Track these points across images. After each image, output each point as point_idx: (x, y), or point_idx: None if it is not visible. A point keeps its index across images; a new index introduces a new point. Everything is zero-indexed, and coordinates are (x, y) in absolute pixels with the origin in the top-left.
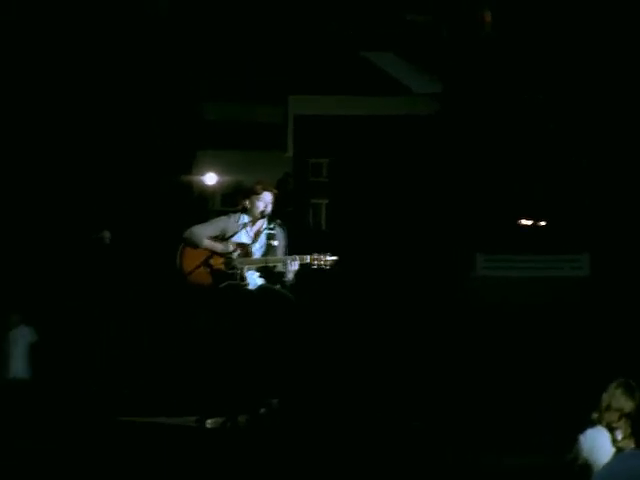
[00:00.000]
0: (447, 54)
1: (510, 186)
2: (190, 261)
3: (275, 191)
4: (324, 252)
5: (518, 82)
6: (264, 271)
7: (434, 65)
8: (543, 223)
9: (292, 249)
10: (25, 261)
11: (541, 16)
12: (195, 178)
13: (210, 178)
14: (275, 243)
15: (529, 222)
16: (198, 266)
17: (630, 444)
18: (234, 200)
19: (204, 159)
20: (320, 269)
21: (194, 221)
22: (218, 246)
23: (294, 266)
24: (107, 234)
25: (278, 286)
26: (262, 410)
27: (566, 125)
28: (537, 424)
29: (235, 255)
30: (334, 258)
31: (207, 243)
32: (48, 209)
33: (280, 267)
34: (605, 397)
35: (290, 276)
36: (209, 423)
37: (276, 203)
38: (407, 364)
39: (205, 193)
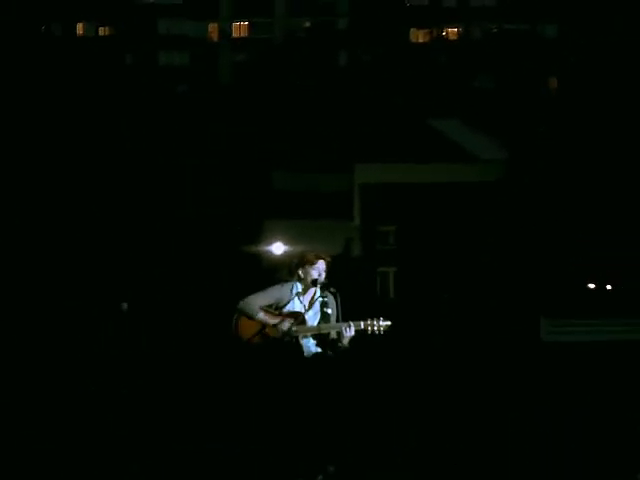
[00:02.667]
0: (514, 120)
1: (577, 251)
2: (246, 329)
3: (328, 259)
4: (378, 317)
5: (585, 146)
6: (318, 338)
7: (500, 131)
8: (609, 287)
9: (358, 317)
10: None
11: (605, 82)
12: (263, 247)
13: (277, 247)
14: (329, 311)
15: (595, 286)
16: (254, 335)
17: None
18: (290, 269)
19: (272, 228)
20: (375, 334)
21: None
22: (272, 321)
23: (349, 332)
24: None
25: (331, 353)
26: (319, 477)
27: (626, 190)
28: None
29: (288, 326)
30: (388, 323)
31: (261, 317)
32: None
33: (333, 334)
34: None
35: (345, 342)
36: None
37: (330, 270)
38: (466, 434)
39: (272, 262)
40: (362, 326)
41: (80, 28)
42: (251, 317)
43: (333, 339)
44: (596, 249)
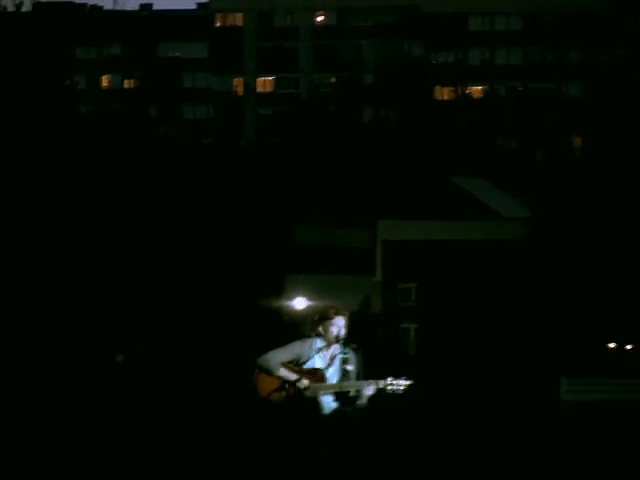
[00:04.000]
0: (538, 178)
1: (596, 310)
2: (265, 385)
3: (348, 314)
4: (399, 376)
5: (607, 206)
6: (338, 394)
7: (524, 190)
8: (629, 347)
9: (378, 372)
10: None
11: (628, 141)
12: (285, 302)
13: (299, 302)
14: (349, 367)
15: (614, 345)
16: (273, 391)
17: None
18: (311, 324)
19: (294, 283)
20: (394, 394)
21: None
22: (292, 377)
23: (369, 391)
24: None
25: (350, 410)
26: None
27: None
28: None
29: (308, 382)
30: (409, 382)
31: (282, 372)
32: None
33: (353, 392)
34: None
35: (364, 400)
36: None
37: (351, 326)
38: None
39: (294, 317)
40: (382, 385)
41: (105, 80)
42: (271, 373)
43: (353, 396)
44: (616, 309)
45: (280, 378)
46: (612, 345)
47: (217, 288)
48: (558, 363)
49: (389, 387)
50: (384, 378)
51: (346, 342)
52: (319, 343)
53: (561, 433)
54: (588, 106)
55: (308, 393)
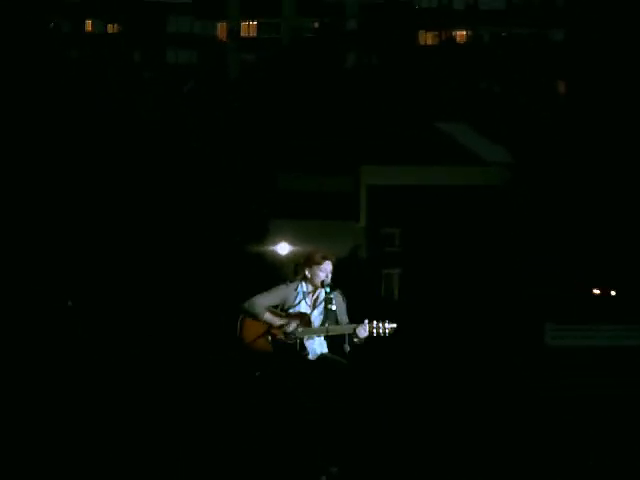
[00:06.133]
0: (521, 124)
1: (581, 256)
2: (251, 331)
3: (334, 260)
4: (384, 319)
5: (591, 150)
6: (326, 337)
7: (507, 135)
8: (613, 293)
9: (362, 318)
10: None
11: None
12: (268, 247)
13: (282, 248)
14: (333, 307)
15: (599, 291)
16: (259, 336)
17: None
18: (295, 268)
19: (277, 228)
20: (380, 336)
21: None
22: (278, 322)
23: (362, 333)
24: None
25: (348, 348)
26: (322, 478)
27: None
28: None
29: (294, 327)
30: (394, 326)
31: (267, 317)
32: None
33: (346, 334)
34: None
35: (351, 345)
36: None
37: (335, 271)
38: (469, 435)
39: (277, 262)
40: (367, 328)
41: (89, 25)
42: (256, 318)
43: (349, 335)
44: (600, 254)
45: (266, 323)
46: (596, 291)
47: (200, 233)
48: (542, 309)
49: (374, 331)
50: (370, 322)
51: (331, 287)
52: (304, 287)
53: (546, 378)
54: (572, 51)
55: (294, 338)
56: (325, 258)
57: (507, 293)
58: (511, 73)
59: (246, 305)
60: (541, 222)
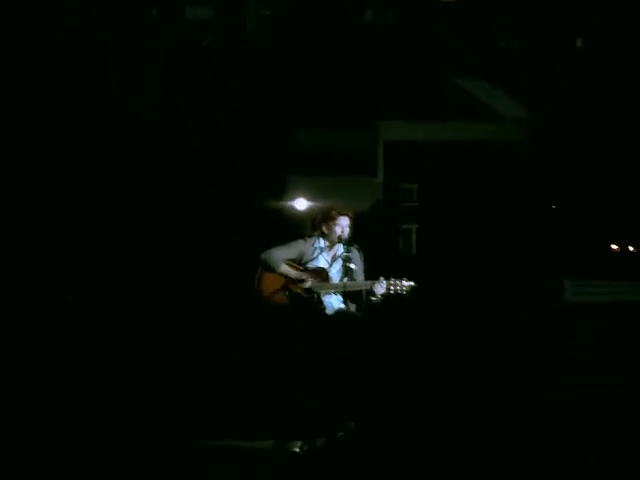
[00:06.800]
0: (538, 80)
1: (600, 212)
2: (269, 284)
3: (352, 215)
4: (401, 277)
5: (610, 107)
6: (343, 294)
7: (525, 91)
8: (632, 249)
9: (379, 274)
10: None
11: (631, 41)
12: (285, 203)
13: (300, 203)
14: (352, 266)
15: (618, 247)
16: (277, 290)
17: None
18: (313, 224)
19: (294, 184)
20: (398, 294)
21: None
22: (293, 273)
23: (380, 289)
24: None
25: (363, 306)
26: (340, 434)
27: None
28: None
29: (312, 281)
30: (411, 284)
31: (284, 269)
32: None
33: (364, 291)
34: None
35: (377, 298)
36: (286, 447)
37: (353, 227)
38: (488, 392)
39: (295, 218)
40: (385, 285)
41: None
42: (274, 270)
43: (367, 291)
44: (619, 210)
45: (282, 275)
46: (615, 246)
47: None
48: (561, 265)
49: (392, 288)
50: (388, 278)
51: (349, 242)
52: (322, 243)
53: (565, 334)
54: (589, 6)
55: (311, 293)
56: (340, 213)
57: (525, 249)
58: (529, 29)
59: (263, 256)
60: (560, 178)
